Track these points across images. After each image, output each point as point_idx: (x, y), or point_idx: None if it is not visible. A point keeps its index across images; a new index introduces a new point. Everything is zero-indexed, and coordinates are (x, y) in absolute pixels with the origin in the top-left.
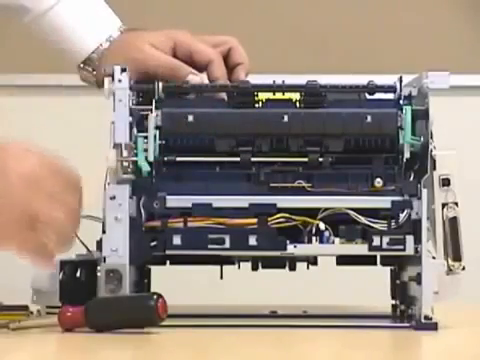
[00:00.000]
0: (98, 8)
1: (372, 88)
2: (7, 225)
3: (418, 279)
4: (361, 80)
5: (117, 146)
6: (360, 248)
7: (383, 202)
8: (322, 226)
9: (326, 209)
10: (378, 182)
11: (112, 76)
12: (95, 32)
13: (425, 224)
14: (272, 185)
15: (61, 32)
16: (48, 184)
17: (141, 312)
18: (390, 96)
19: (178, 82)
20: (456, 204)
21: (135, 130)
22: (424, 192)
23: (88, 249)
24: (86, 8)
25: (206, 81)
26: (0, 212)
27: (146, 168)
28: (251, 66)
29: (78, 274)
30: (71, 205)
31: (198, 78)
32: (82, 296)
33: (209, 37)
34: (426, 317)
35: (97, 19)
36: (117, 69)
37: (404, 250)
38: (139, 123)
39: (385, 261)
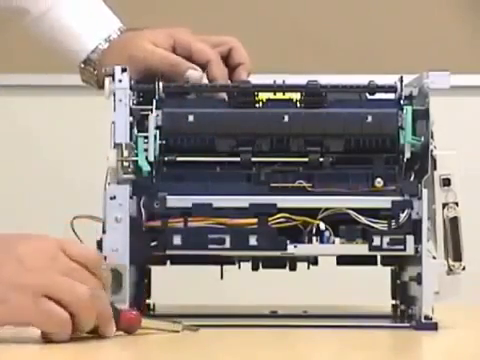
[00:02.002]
0: (97, 9)
1: (373, 88)
2: (21, 307)
3: (418, 279)
4: (362, 80)
5: (117, 146)
6: (360, 248)
7: (383, 202)
8: (322, 226)
9: (326, 209)
10: (378, 182)
11: (112, 76)
12: (93, 32)
13: (425, 224)
14: (272, 185)
15: (60, 33)
16: (62, 262)
17: None
18: (391, 96)
19: (178, 82)
20: (456, 204)
21: (135, 130)
22: (424, 192)
23: None
24: (84, 9)
25: (206, 78)
26: (10, 296)
27: (146, 168)
28: (251, 66)
29: None
30: (90, 283)
31: (198, 73)
32: None
33: (210, 37)
34: (426, 317)
35: (95, 20)
36: (117, 69)
37: (404, 250)
38: (139, 123)
39: (385, 261)
